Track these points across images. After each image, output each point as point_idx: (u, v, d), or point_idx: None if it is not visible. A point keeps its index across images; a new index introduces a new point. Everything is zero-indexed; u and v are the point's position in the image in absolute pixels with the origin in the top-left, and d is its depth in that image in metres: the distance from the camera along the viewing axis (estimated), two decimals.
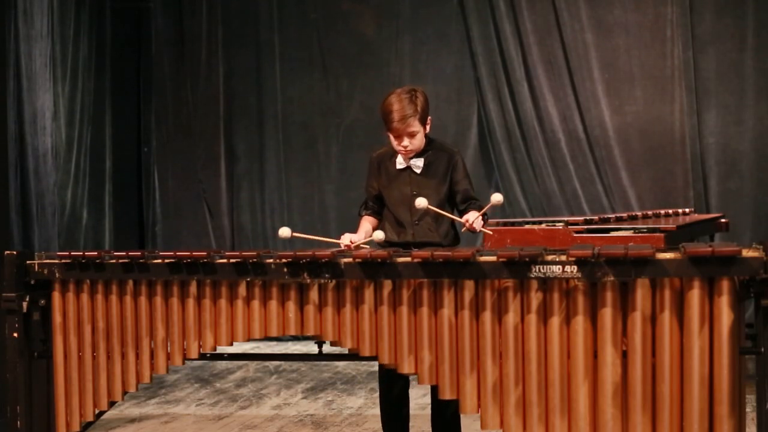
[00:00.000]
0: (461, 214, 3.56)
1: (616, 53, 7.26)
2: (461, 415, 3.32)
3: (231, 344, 3.05)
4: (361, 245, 3.37)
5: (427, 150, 3.54)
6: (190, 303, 3.07)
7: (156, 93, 8.18)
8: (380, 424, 3.71)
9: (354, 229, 3.59)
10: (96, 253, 3.15)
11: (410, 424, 3.69)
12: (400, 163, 3.56)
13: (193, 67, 8.08)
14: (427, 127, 3.51)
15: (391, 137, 3.49)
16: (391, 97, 3.45)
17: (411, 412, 3.70)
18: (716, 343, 2.59)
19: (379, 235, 3.38)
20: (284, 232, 3.40)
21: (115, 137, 7.89)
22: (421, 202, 3.34)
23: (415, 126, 3.43)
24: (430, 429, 3.66)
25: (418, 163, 3.53)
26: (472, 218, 3.40)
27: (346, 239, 3.42)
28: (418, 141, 3.48)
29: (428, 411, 3.68)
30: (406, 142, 3.45)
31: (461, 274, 2.79)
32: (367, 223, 3.64)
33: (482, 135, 7.53)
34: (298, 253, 2.93)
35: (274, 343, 7.38)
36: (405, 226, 3.54)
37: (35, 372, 3.25)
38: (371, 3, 7.81)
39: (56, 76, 7.11)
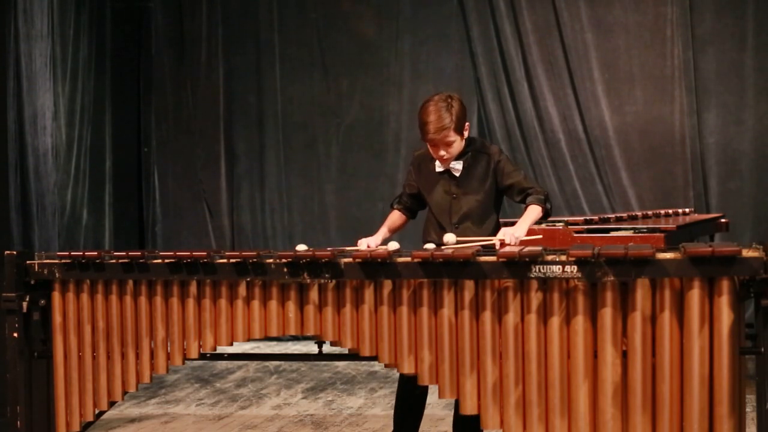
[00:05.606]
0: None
1: (616, 53, 7.26)
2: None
3: (231, 344, 3.05)
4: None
5: (467, 152, 3.48)
6: (190, 303, 3.07)
7: (156, 93, 8.18)
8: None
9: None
10: (96, 253, 3.15)
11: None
12: (439, 166, 3.50)
13: (193, 67, 8.07)
14: (465, 133, 3.45)
15: (429, 146, 3.45)
16: (428, 106, 3.39)
17: None
18: (716, 343, 2.59)
19: (450, 238, 3.23)
20: (449, 238, 3.22)
21: (115, 137, 7.89)
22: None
23: (451, 136, 3.37)
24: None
25: (457, 167, 3.47)
26: (508, 239, 3.30)
27: (363, 244, 3.37)
28: (455, 149, 3.42)
29: (429, 411, 3.67)
30: (442, 152, 3.40)
31: (461, 274, 2.79)
32: (395, 217, 3.61)
33: (482, 135, 7.51)
34: (298, 253, 2.93)
35: (274, 343, 7.37)
36: (446, 229, 3.48)
37: (35, 372, 3.25)
38: (371, 3, 7.80)
39: (56, 76, 7.11)
